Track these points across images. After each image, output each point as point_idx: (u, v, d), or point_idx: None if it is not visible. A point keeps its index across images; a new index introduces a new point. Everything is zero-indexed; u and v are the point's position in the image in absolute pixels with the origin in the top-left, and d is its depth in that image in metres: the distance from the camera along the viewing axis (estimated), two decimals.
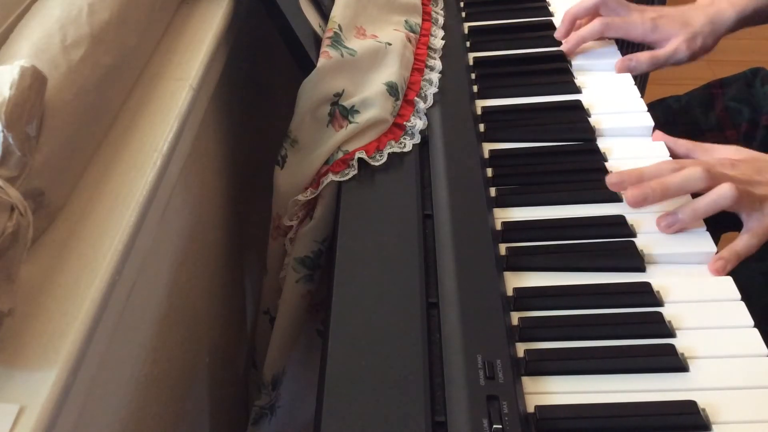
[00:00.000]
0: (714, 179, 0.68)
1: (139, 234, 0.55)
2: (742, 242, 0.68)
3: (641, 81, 1.74)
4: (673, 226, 0.69)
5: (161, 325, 0.67)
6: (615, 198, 0.73)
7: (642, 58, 0.92)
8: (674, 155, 0.78)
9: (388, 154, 0.77)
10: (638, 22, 0.92)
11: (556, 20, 1.03)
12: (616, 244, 0.68)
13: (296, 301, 0.80)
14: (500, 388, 0.54)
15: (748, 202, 0.67)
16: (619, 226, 0.70)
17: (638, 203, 0.69)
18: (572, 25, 0.97)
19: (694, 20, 0.92)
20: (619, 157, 0.78)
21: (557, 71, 0.93)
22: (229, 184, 0.88)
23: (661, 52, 0.92)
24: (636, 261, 0.66)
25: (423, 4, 0.99)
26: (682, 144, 0.78)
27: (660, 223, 0.69)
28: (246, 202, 0.96)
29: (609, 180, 0.72)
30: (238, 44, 0.84)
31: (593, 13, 0.95)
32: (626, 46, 0.98)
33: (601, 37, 0.95)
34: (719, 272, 0.66)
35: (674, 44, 0.91)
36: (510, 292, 0.64)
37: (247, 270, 1.00)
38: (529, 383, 0.57)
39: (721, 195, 0.67)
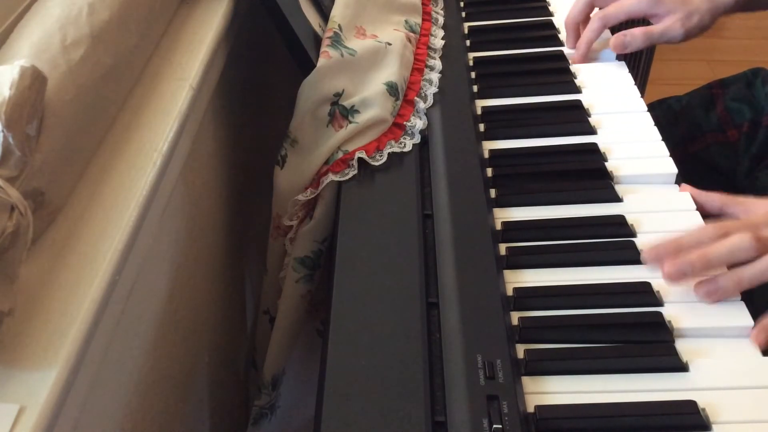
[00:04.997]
0: (763, 248, 0.61)
1: (139, 234, 0.55)
2: None
3: (641, 81, 1.74)
4: (714, 294, 0.62)
5: (161, 325, 0.67)
6: (615, 198, 0.73)
7: (636, 33, 0.91)
8: (705, 210, 0.71)
9: (388, 154, 0.77)
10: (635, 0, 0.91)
11: (556, 20, 1.03)
12: (616, 244, 0.68)
13: (296, 301, 0.80)
14: (500, 388, 0.54)
15: None
16: (619, 226, 0.70)
17: (677, 280, 0.63)
18: (576, 31, 0.96)
19: None
20: (619, 158, 0.78)
21: (557, 71, 0.93)
22: (229, 184, 0.88)
23: (655, 28, 0.91)
24: (635, 255, 0.66)
25: (423, 4, 0.99)
26: (716, 199, 0.71)
27: (699, 291, 0.62)
28: (246, 202, 0.96)
29: (645, 256, 0.65)
30: (238, 44, 0.84)
31: (589, 9, 0.95)
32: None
33: (605, 30, 0.94)
34: (764, 346, 0.59)
35: (669, 21, 0.90)
36: (510, 292, 0.64)
37: (247, 270, 1.00)
38: (529, 383, 0.57)
39: None
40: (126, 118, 0.64)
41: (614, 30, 0.95)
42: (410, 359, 0.56)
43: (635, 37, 0.91)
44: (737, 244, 0.61)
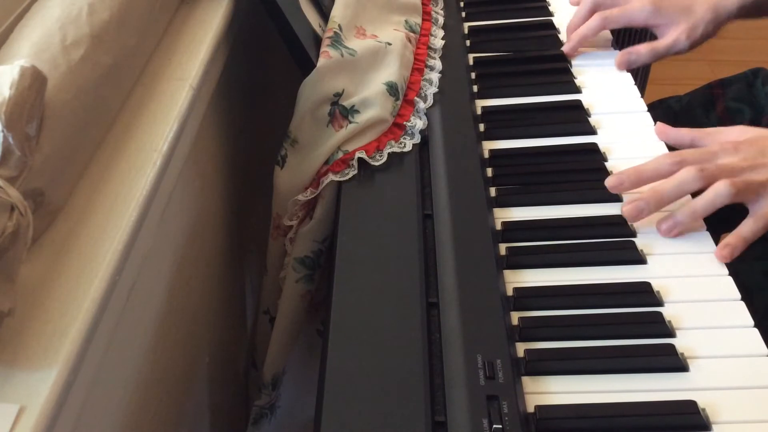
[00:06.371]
0: (709, 178, 0.67)
1: (139, 234, 0.55)
2: (747, 227, 0.67)
3: (641, 81, 1.74)
4: (674, 229, 0.68)
5: (161, 325, 0.67)
6: (615, 198, 0.73)
7: (642, 50, 0.91)
8: (678, 148, 0.77)
9: (388, 154, 0.77)
10: (638, 7, 0.91)
11: (556, 20, 1.03)
12: (615, 244, 0.68)
13: (296, 301, 0.81)
14: (500, 388, 0.54)
15: (749, 192, 0.67)
16: (619, 226, 0.70)
17: (634, 218, 0.69)
18: None
19: (696, 7, 0.90)
20: (619, 158, 0.78)
21: (557, 71, 0.93)
22: (229, 184, 0.88)
23: (661, 43, 0.91)
24: (635, 255, 0.67)
25: (423, 4, 0.99)
26: (685, 135, 0.77)
27: (660, 227, 0.69)
28: (246, 202, 0.96)
29: (608, 182, 0.72)
30: (238, 44, 0.84)
31: (591, 15, 0.95)
32: (626, 43, 0.98)
33: (602, 31, 0.94)
34: (726, 259, 0.66)
35: (674, 34, 0.90)
36: (510, 292, 0.64)
37: (247, 270, 1.00)
38: (529, 383, 0.57)
39: (718, 194, 0.66)
40: (126, 118, 0.64)
41: (620, 46, 0.96)
42: (410, 359, 0.56)
43: (640, 54, 0.91)
44: (684, 178, 0.68)
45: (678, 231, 0.68)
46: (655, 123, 0.82)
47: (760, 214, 0.67)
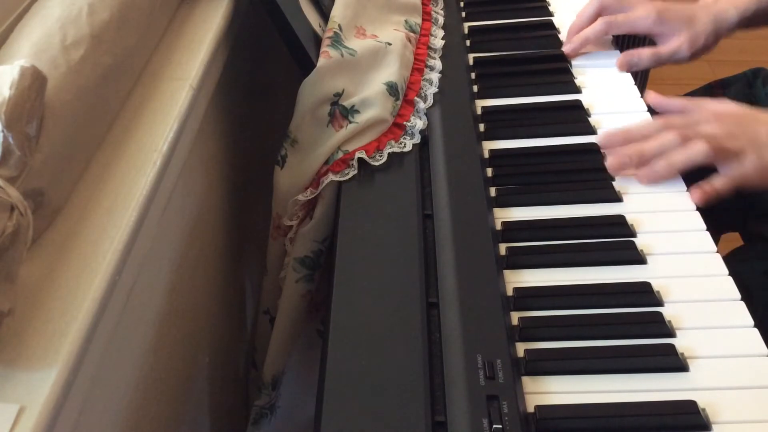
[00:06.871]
0: (687, 142, 0.73)
1: (139, 234, 0.55)
2: (720, 182, 0.73)
3: (641, 81, 1.74)
4: (651, 176, 0.74)
5: (161, 325, 0.67)
6: (615, 198, 0.73)
7: (644, 54, 0.92)
8: (670, 113, 0.82)
9: (388, 154, 0.77)
10: (643, 14, 0.92)
11: (556, 20, 1.03)
12: (615, 244, 0.68)
13: (296, 301, 0.80)
14: (500, 388, 0.54)
15: (723, 157, 0.73)
16: (619, 226, 0.70)
17: (617, 169, 0.76)
18: None
19: (698, 18, 0.91)
20: None
21: (557, 71, 0.93)
22: (229, 184, 0.88)
23: (663, 49, 0.92)
24: (635, 255, 0.67)
25: (423, 4, 0.99)
26: (677, 103, 0.82)
27: (638, 174, 0.75)
28: (246, 202, 0.96)
29: (599, 140, 0.79)
30: (238, 44, 0.84)
31: (595, 19, 0.95)
32: (627, 47, 0.98)
33: (605, 35, 0.95)
34: (702, 202, 0.72)
35: (677, 42, 0.91)
36: (510, 292, 0.64)
37: (247, 270, 1.00)
38: (529, 383, 0.57)
39: (695, 151, 0.72)
40: (126, 118, 0.64)
41: (620, 48, 0.96)
42: (410, 359, 0.56)
43: (642, 57, 0.92)
44: (666, 141, 0.75)
45: (655, 178, 0.74)
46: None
47: (732, 175, 0.73)
